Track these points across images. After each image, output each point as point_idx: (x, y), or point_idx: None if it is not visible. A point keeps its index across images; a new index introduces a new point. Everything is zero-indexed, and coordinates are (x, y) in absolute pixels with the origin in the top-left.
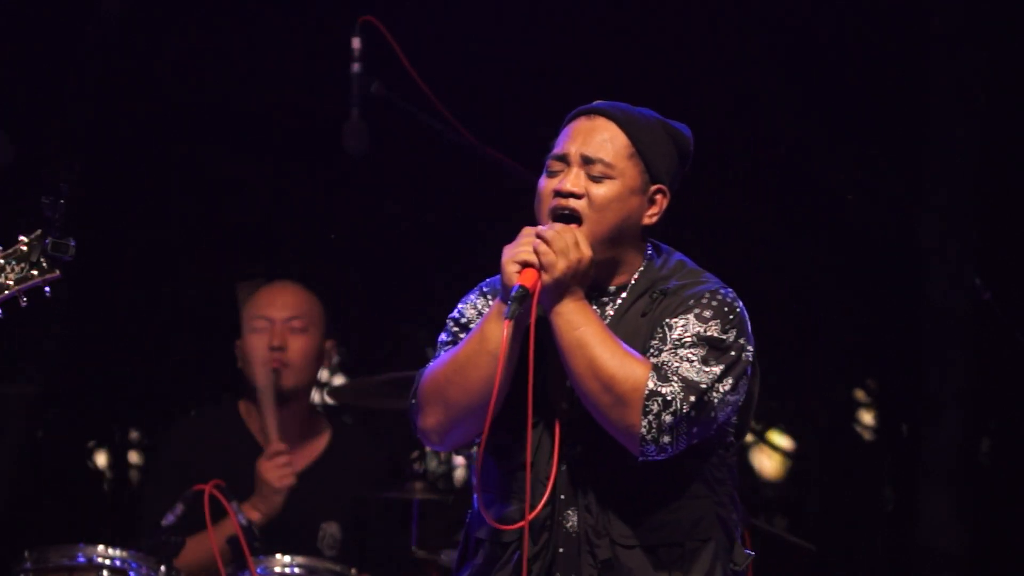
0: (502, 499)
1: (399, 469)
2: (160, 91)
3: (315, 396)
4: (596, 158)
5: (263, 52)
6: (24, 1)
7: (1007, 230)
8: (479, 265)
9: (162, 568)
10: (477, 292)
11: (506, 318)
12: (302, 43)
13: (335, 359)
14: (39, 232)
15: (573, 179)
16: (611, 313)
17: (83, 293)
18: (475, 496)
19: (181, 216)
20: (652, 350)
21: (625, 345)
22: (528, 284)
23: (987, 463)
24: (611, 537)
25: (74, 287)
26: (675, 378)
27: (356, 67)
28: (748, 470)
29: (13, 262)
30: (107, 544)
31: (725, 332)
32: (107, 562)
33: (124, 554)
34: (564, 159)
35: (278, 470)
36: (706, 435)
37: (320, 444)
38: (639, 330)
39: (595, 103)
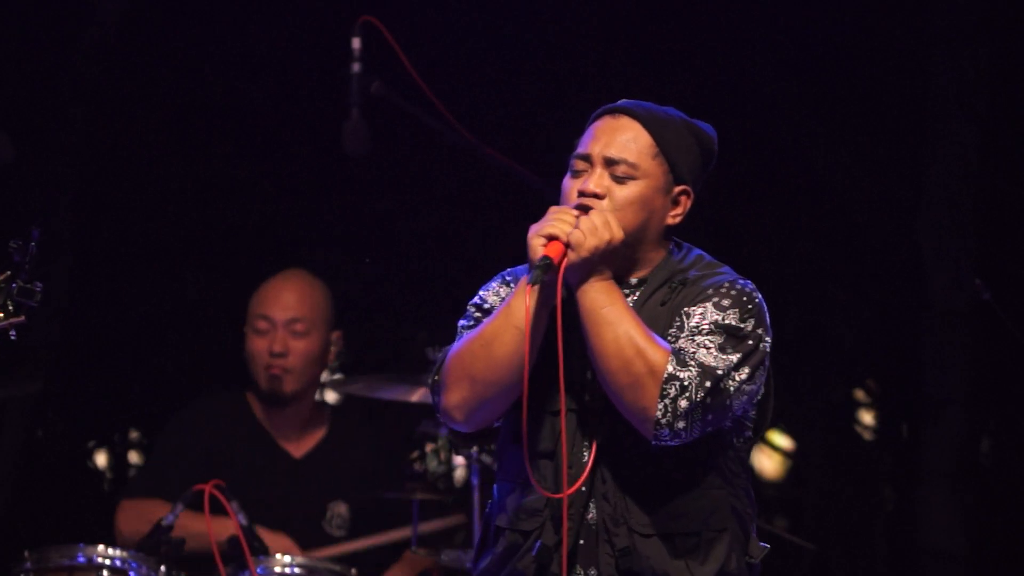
0: (522, 489)
1: (403, 452)
2: (160, 91)
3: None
4: (619, 159)
5: (263, 52)
6: (24, 1)
7: (1007, 230)
8: (479, 265)
9: (162, 568)
10: (499, 280)
11: (529, 283)
12: (302, 43)
13: (342, 348)
14: (7, 274)
15: (596, 180)
16: (631, 302)
17: (83, 293)
18: (495, 486)
19: (181, 216)
20: (670, 338)
21: (649, 330)
22: (553, 256)
23: (987, 463)
24: (629, 525)
25: (74, 287)
26: (693, 363)
27: (356, 67)
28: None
29: None
30: (107, 544)
31: (743, 321)
32: (107, 562)
33: (124, 554)
34: (588, 159)
35: None
36: (721, 424)
37: (322, 427)
38: (658, 319)
39: (620, 102)
